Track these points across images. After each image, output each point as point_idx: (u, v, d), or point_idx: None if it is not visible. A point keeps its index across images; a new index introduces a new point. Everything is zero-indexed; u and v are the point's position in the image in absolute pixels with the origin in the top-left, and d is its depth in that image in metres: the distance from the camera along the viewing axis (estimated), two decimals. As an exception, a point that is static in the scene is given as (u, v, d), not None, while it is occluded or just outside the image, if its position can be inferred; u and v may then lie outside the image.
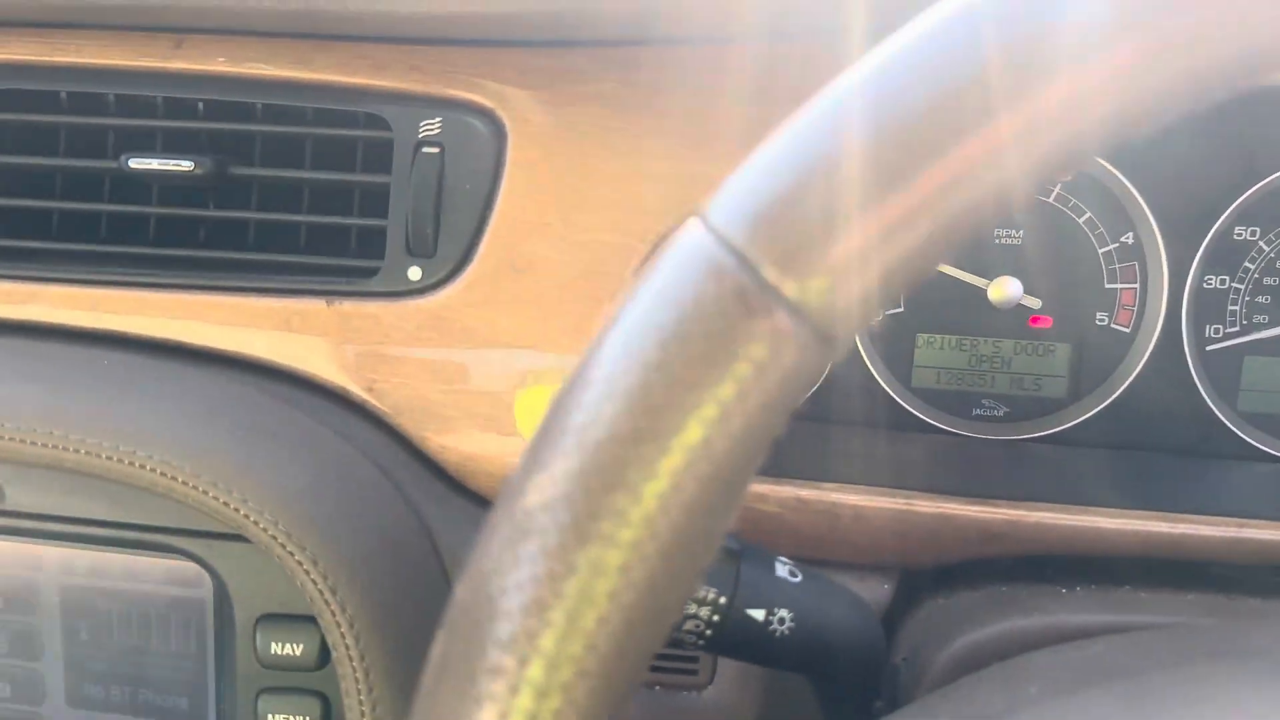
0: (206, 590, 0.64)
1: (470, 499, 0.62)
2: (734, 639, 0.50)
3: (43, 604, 0.66)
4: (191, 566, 0.64)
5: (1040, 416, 0.70)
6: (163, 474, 0.56)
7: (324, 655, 0.60)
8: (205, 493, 0.55)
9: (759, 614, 0.49)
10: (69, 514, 0.61)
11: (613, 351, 0.31)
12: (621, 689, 0.31)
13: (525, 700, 0.30)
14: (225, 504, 0.55)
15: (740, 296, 0.30)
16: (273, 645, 0.60)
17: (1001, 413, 0.70)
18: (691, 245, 0.32)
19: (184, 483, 0.55)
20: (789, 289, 0.30)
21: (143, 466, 0.56)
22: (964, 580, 0.60)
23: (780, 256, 0.30)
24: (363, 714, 0.56)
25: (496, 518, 0.31)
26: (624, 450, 0.30)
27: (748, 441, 0.31)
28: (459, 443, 0.61)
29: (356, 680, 0.56)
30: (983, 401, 0.71)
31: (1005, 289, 0.69)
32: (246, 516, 0.55)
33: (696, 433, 0.30)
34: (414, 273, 0.61)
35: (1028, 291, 0.69)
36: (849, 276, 0.31)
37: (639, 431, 0.30)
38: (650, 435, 0.30)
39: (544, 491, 0.30)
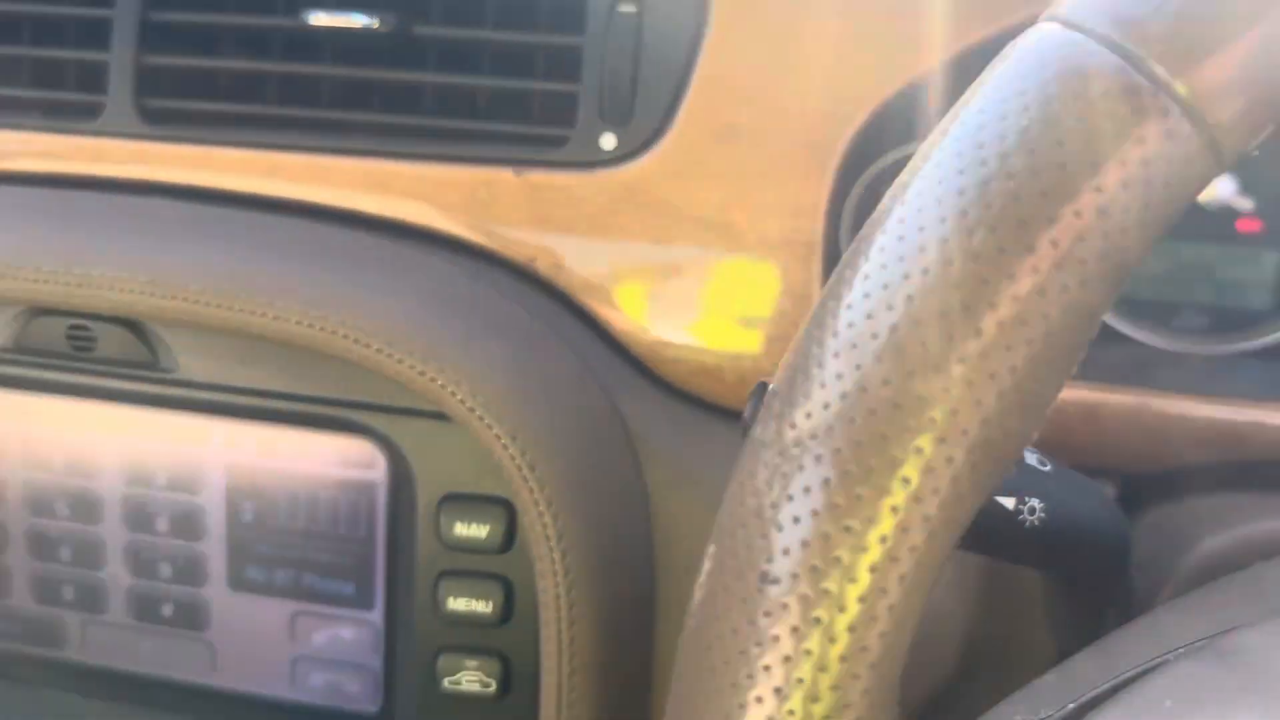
0: (380, 472, 0.62)
1: (661, 388, 0.59)
2: (980, 528, 0.47)
3: (208, 483, 0.64)
4: (366, 447, 0.62)
5: (1246, 328, 0.66)
6: (356, 341, 0.53)
7: (509, 539, 0.58)
8: (401, 362, 0.53)
9: (1009, 502, 0.46)
10: (244, 385, 0.59)
11: (936, 192, 0.28)
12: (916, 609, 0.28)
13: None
14: (421, 374, 0.53)
15: (1128, 95, 0.27)
16: (457, 527, 0.57)
17: (1203, 323, 0.66)
18: (1052, 48, 0.29)
19: (378, 350, 0.53)
20: (1180, 88, 0.27)
21: (334, 333, 0.53)
22: (1190, 487, 0.56)
23: (1170, 53, 0.27)
24: (557, 596, 0.54)
25: (761, 436, 0.28)
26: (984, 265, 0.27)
27: (1113, 269, 0.27)
28: (651, 327, 0.58)
29: (553, 562, 0.54)
30: (1183, 311, 0.66)
31: (1214, 186, 0.64)
32: (443, 388, 0.53)
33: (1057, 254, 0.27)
34: (607, 141, 0.58)
35: (1239, 192, 0.64)
36: (1247, 77, 0.28)
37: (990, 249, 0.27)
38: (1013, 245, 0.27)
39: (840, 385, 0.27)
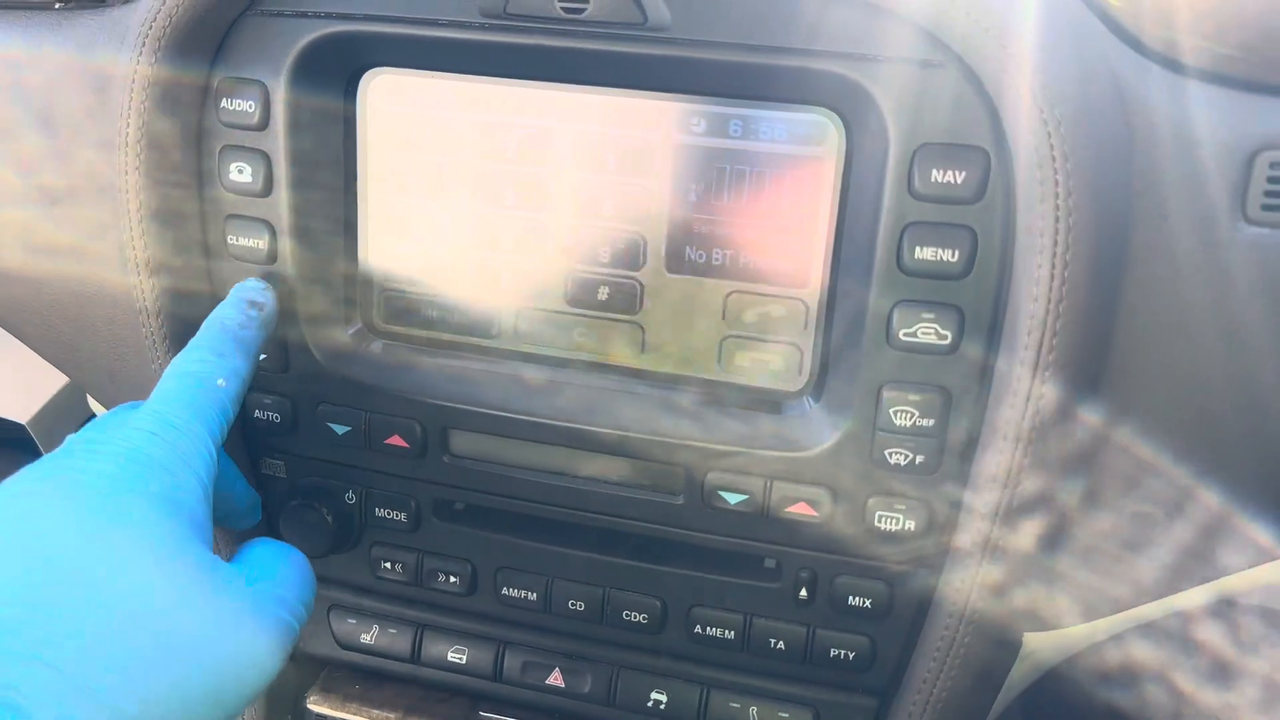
0: (830, 148, 0.65)
1: (1156, 60, 0.60)
2: None
3: (655, 166, 0.68)
4: (819, 121, 0.65)
5: None
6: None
7: (981, 189, 0.61)
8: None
9: None
10: (728, 39, 0.62)
11: None
12: None
13: None
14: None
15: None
16: (933, 174, 0.60)
17: None
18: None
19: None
20: None
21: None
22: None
23: None
24: (1055, 240, 0.57)
25: None
26: None
27: None
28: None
29: (1056, 212, 0.57)
30: None
31: None
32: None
33: None
34: None
35: None
36: None
37: None
38: None
39: None
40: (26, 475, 0.56)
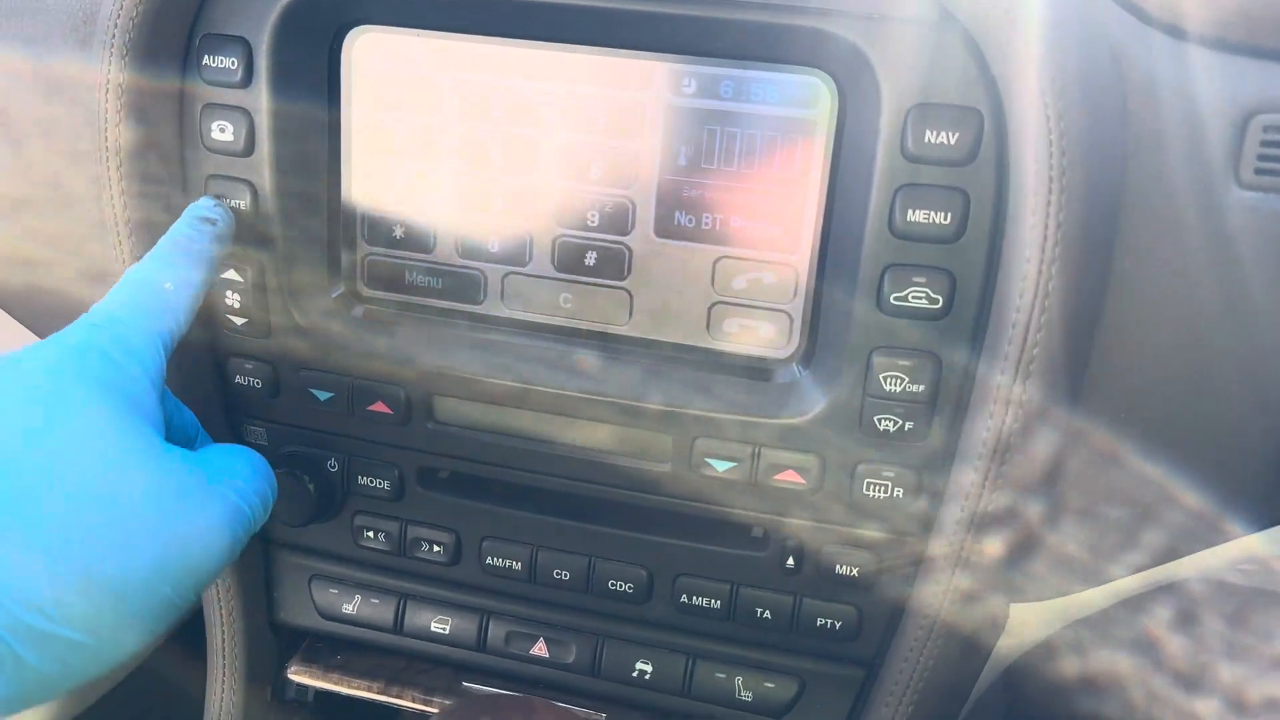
0: (822, 110, 0.64)
1: (1152, 23, 0.59)
2: None
3: (644, 128, 0.67)
4: (811, 83, 0.64)
5: None
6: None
7: (974, 150, 0.60)
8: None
9: None
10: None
11: None
12: None
13: None
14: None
15: None
16: (926, 135, 0.60)
17: None
18: None
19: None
20: None
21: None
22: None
23: None
24: (1046, 219, 0.56)
25: None
26: None
27: None
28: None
29: (1050, 173, 0.56)
30: None
31: None
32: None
33: None
34: None
35: None
36: None
37: None
38: None
39: None
40: None
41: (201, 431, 0.71)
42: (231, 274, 0.72)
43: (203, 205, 0.69)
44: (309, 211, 0.73)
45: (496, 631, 0.82)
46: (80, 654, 0.51)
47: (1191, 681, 0.81)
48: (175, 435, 0.68)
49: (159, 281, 0.63)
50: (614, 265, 0.71)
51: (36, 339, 0.86)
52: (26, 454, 0.52)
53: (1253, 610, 0.80)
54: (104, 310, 0.61)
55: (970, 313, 0.63)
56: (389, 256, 0.74)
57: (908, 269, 0.62)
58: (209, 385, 0.77)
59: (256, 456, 0.64)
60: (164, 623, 0.55)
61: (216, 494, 0.58)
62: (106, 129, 0.69)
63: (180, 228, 0.67)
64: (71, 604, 0.50)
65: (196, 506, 0.57)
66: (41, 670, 0.50)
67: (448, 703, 0.83)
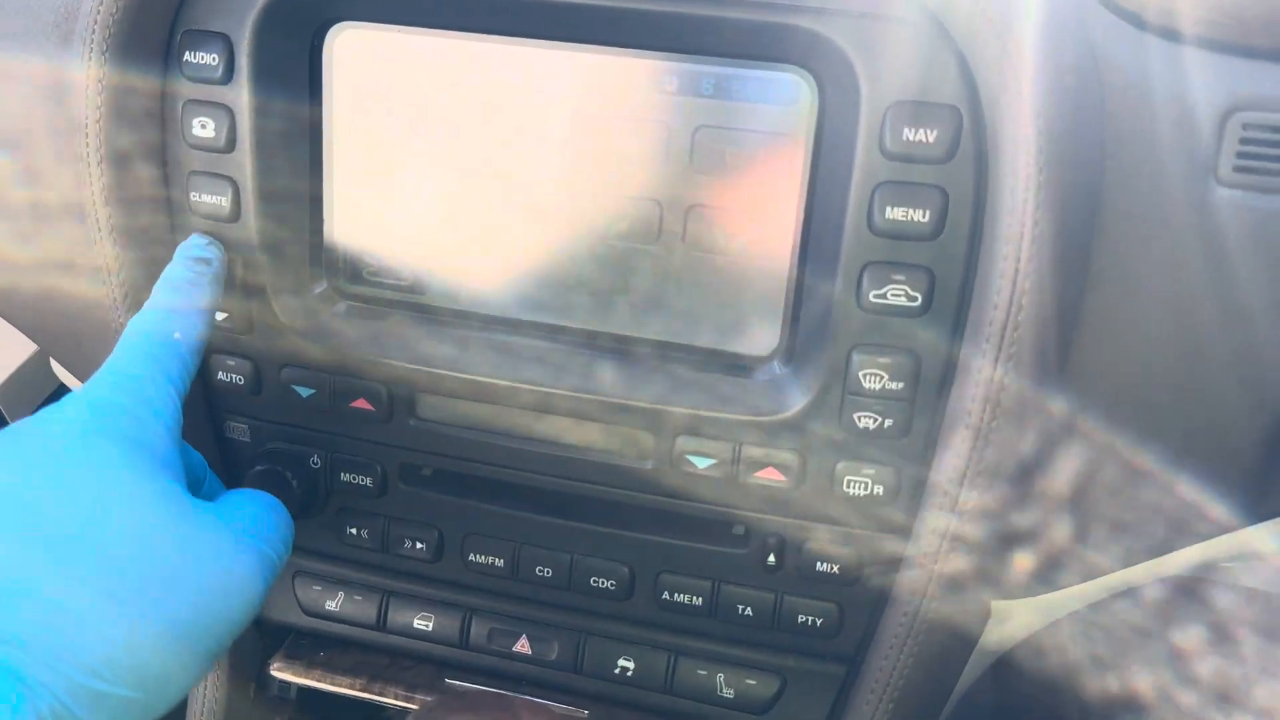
0: (805, 107, 0.64)
1: (1130, 20, 0.59)
2: None
3: (626, 126, 0.67)
4: (791, 80, 0.64)
5: None
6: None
7: (953, 147, 0.60)
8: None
9: None
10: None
11: None
12: None
13: None
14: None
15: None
16: (905, 132, 0.60)
17: None
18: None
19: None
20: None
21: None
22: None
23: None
24: (1024, 216, 0.57)
25: None
26: None
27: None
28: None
29: (1028, 170, 0.56)
30: None
31: None
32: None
33: None
34: None
35: None
36: None
37: None
38: None
39: None
40: None
41: (210, 473, 0.72)
42: (213, 270, 0.72)
43: (195, 245, 0.70)
44: (291, 208, 0.72)
45: (479, 628, 0.82)
46: (132, 710, 0.53)
47: (1183, 674, 0.82)
48: (189, 480, 0.70)
49: (168, 332, 0.64)
50: (596, 263, 0.70)
51: (25, 338, 0.87)
52: (67, 518, 0.53)
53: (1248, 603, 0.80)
54: (120, 366, 0.62)
55: (950, 310, 0.63)
56: (371, 253, 0.74)
57: (887, 266, 0.62)
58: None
59: (275, 502, 0.66)
60: (205, 671, 0.58)
61: (246, 545, 0.60)
62: (88, 125, 0.69)
63: (177, 270, 0.68)
64: (121, 663, 0.51)
65: (230, 561, 0.59)
66: None
67: (429, 699, 0.83)
